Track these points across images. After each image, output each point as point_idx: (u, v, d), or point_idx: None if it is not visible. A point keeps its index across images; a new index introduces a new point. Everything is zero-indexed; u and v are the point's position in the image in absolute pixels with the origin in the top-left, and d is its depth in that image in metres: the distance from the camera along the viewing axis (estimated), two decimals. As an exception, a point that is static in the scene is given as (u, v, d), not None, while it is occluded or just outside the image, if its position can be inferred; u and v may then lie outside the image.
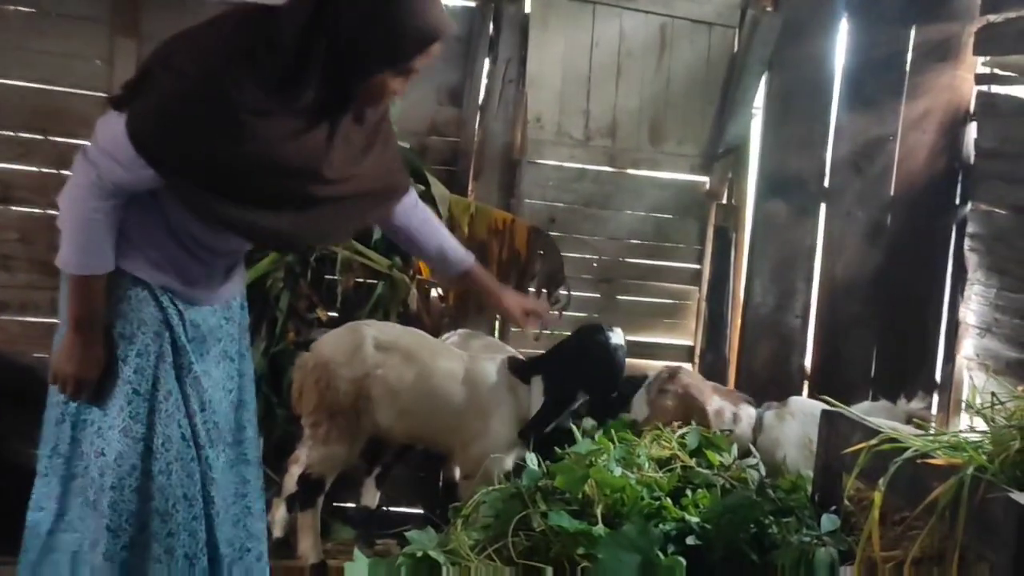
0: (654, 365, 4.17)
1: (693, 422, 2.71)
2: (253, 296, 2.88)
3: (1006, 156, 3.87)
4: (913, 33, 4.10)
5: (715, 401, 3.19)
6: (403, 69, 2.01)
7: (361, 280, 3.69)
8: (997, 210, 3.93)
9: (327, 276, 3.62)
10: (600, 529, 1.92)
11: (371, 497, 3.50)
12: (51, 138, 3.61)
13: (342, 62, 1.94)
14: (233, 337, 2.29)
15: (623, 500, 2.05)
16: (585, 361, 3.08)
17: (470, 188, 3.98)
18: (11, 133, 3.60)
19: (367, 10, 1.92)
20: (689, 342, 4.34)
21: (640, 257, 4.28)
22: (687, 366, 4.25)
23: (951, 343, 4.15)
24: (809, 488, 2.13)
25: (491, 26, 3.93)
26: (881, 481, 1.65)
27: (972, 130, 4.11)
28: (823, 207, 4.23)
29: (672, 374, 3.23)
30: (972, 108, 4.11)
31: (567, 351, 3.13)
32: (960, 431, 1.75)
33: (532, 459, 2.23)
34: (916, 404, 3.35)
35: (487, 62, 3.96)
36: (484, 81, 3.96)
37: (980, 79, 4.08)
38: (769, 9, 4.08)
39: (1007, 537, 1.44)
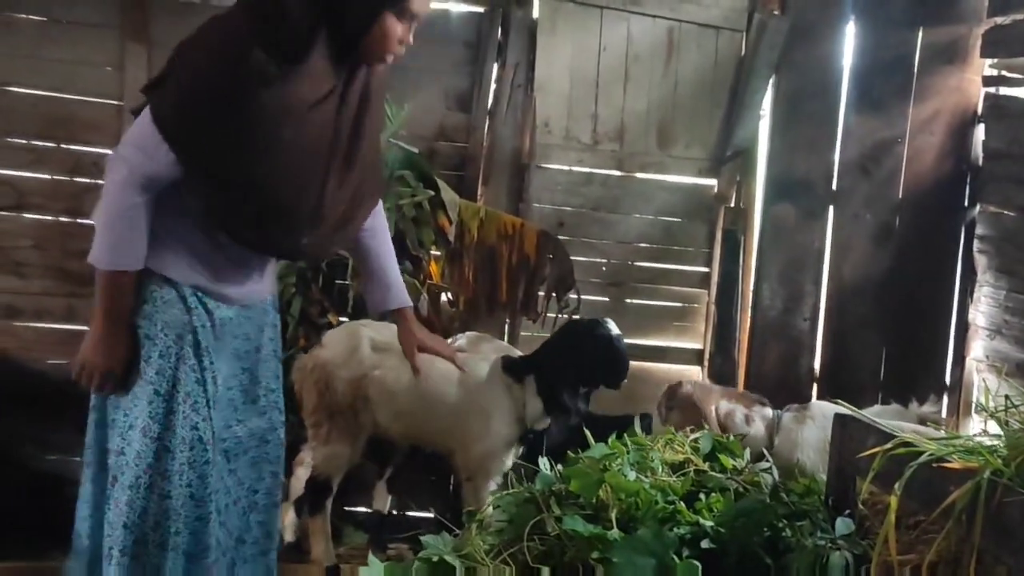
0: (663, 368, 4.23)
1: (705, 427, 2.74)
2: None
3: (1014, 158, 3.88)
4: (920, 35, 4.12)
5: (723, 404, 3.25)
6: (402, 9, 2.04)
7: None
8: (1006, 212, 3.94)
9: (338, 281, 3.62)
10: (615, 533, 1.93)
11: (383, 501, 3.50)
12: (63, 145, 3.64)
13: (343, 3, 1.99)
14: (248, 336, 2.31)
15: (637, 504, 2.05)
16: (583, 356, 3.09)
17: (479, 193, 3.99)
18: (23, 140, 3.63)
19: None
20: (698, 345, 4.34)
21: (649, 260, 4.28)
22: (694, 370, 4.29)
23: (960, 345, 4.16)
24: (823, 492, 2.13)
25: (499, 31, 3.94)
26: (897, 485, 1.65)
27: (980, 132, 4.12)
28: (831, 209, 4.24)
29: (671, 391, 3.34)
30: (980, 110, 4.12)
31: (559, 348, 3.14)
32: (975, 435, 1.75)
33: (545, 463, 2.24)
34: (928, 408, 3.37)
35: (495, 67, 3.96)
36: (492, 86, 3.97)
37: (988, 81, 4.10)
38: (776, 12, 4.08)
39: (1024, 541, 1.44)
